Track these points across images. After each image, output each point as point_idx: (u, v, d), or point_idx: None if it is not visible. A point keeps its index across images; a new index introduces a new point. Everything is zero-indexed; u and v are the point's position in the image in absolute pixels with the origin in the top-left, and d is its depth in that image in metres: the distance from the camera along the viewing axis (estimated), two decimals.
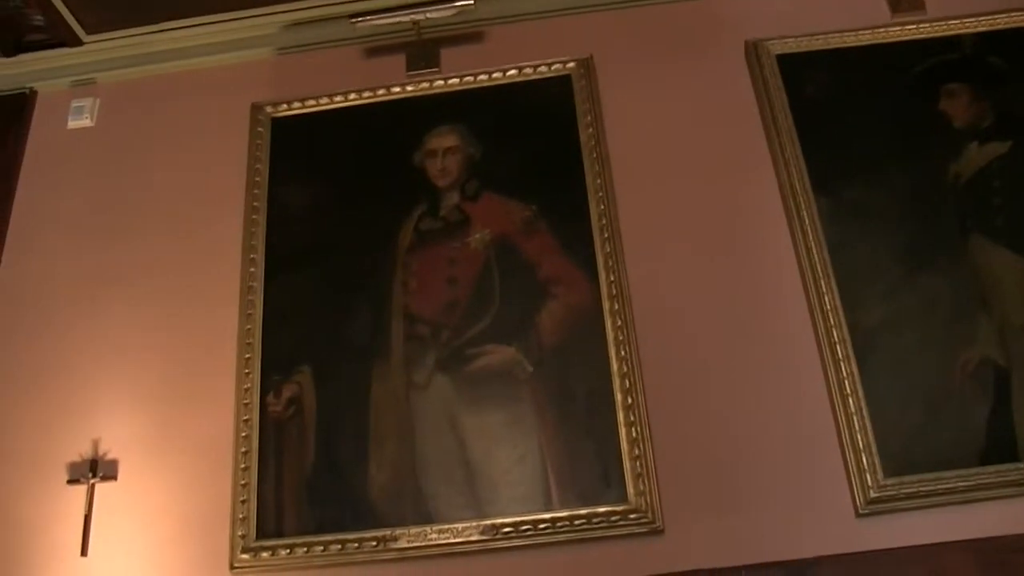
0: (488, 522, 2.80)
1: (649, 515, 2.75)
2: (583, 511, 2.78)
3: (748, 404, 2.90)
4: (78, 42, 3.91)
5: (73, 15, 3.79)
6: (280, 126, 3.62)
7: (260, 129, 3.61)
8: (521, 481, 2.85)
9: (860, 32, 3.45)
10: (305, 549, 2.87)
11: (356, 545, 2.84)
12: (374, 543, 2.83)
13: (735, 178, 3.29)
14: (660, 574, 2.70)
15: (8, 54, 3.93)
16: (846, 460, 2.78)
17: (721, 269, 3.12)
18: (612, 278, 3.08)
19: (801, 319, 3.01)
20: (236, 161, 3.57)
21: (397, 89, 3.62)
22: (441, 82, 3.61)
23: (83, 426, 3.21)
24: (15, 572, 3.02)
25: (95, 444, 3.17)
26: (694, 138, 3.38)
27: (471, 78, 3.59)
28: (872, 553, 2.67)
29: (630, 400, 2.89)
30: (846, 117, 3.31)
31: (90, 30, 3.88)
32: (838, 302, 2.97)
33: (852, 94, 3.36)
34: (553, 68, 3.55)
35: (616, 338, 2.99)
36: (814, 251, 3.06)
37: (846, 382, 2.86)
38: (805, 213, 3.13)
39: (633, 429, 2.85)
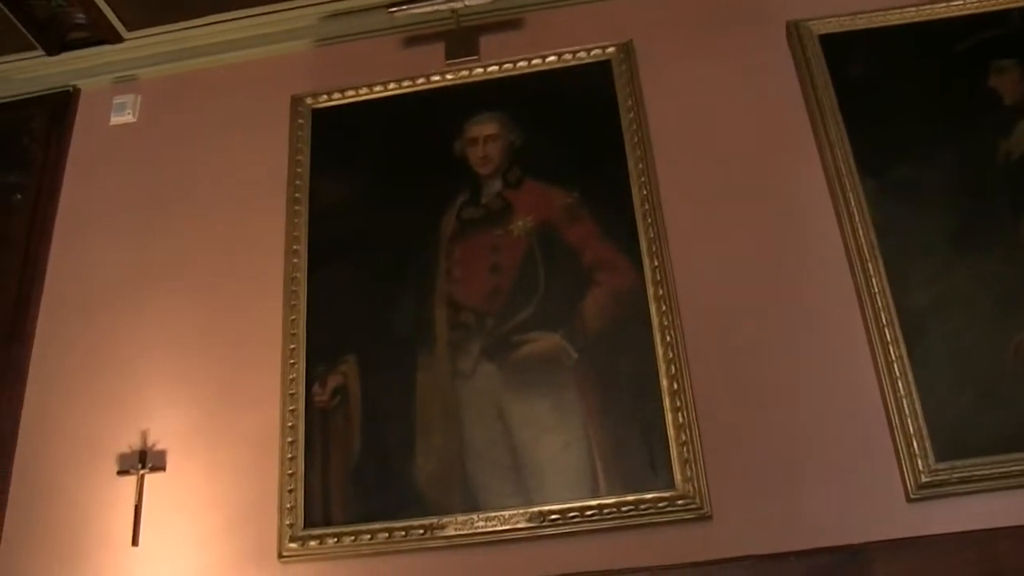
0: (535, 509, 2.80)
1: (697, 501, 2.73)
2: (630, 497, 2.76)
3: (795, 388, 2.87)
4: (119, 39, 3.95)
5: (114, 12, 3.82)
6: (320, 117, 3.63)
7: (300, 121, 3.63)
8: (567, 468, 2.85)
9: (904, 9, 3.39)
10: (353, 538, 2.88)
11: (403, 533, 2.85)
12: (421, 531, 2.84)
13: (779, 161, 3.25)
14: (708, 560, 2.68)
15: (52, 53, 3.98)
16: (896, 444, 2.73)
17: (766, 252, 3.09)
18: (656, 263, 3.07)
19: (848, 302, 2.97)
20: (277, 153, 3.59)
21: (437, 78, 3.62)
22: (480, 70, 3.60)
23: (132, 418, 3.25)
24: (70, 562, 3.07)
25: (144, 435, 3.21)
26: (736, 121, 3.34)
27: (511, 65, 3.58)
28: (924, 539, 2.63)
29: (676, 385, 2.87)
30: (892, 96, 3.25)
31: (130, 27, 3.92)
32: (886, 284, 2.93)
33: (897, 73, 3.30)
34: (593, 54, 3.53)
35: (661, 323, 2.97)
36: (860, 233, 3.01)
37: (895, 365, 2.81)
38: (851, 195, 3.08)
39: (679, 414, 2.83)
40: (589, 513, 2.77)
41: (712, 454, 2.80)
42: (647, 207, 3.17)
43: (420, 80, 3.63)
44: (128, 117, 3.89)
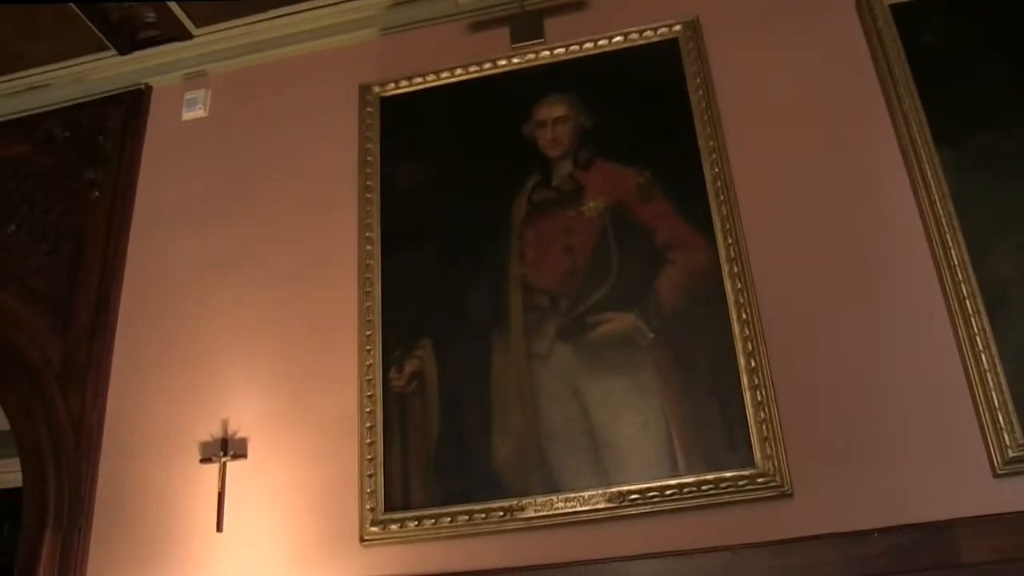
0: (614, 489, 2.80)
1: (777, 479, 2.70)
2: (710, 476, 2.75)
3: (875, 363, 2.82)
4: (188, 36, 4.02)
5: (183, 10, 3.89)
6: (388, 105, 3.66)
7: (369, 109, 3.65)
8: (646, 448, 2.84)
9: None
10: (433, 520, 2.91)
11: (483, 515, 2.87)
12: (501, 513, 2.86)
13: (851, 133, 3.19)
14: (789, 538, 2.65)
15: (124, 52, 4.08)
16: (981, 418, 2.68)
17: (841, 226, 3.04)
18: (730, 240, 3.04)
19: (927, 274, 2.91)
20: (347, 142, 3.62)
21: (503, 62, 3.62)
22: (547, 52, 3.59)
23: (213, 406, 3.32)
24: (157, 548, 3.14)
25: (225, 424, 3.26)
26: (807, 94, 3.29)
27: (577, 47, 3.56)
28: (1012, 515, 2.57)
29: (753, 363, 2.85)
30: (967, 65, 3.16)
31: (199, 24, 3.99)
32: (966, 255, 2.86)
33: (971, 41, 3.20)
34: (659, 32, 3.51)
35: (737, 301, 2.94)
36: (938, 203, 2.94)
37: (977, 338, 2.75)
38: (927, 165, 3.01)
39: (758, 392, 2.81)
40: (669, 492, 2.76)
41: (791, 431, 2.77)
42: (719, 184, 3.14)
43: (486, 65, 3.63)
44: (199, 112, 3.96)
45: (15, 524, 6.41)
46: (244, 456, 3.18)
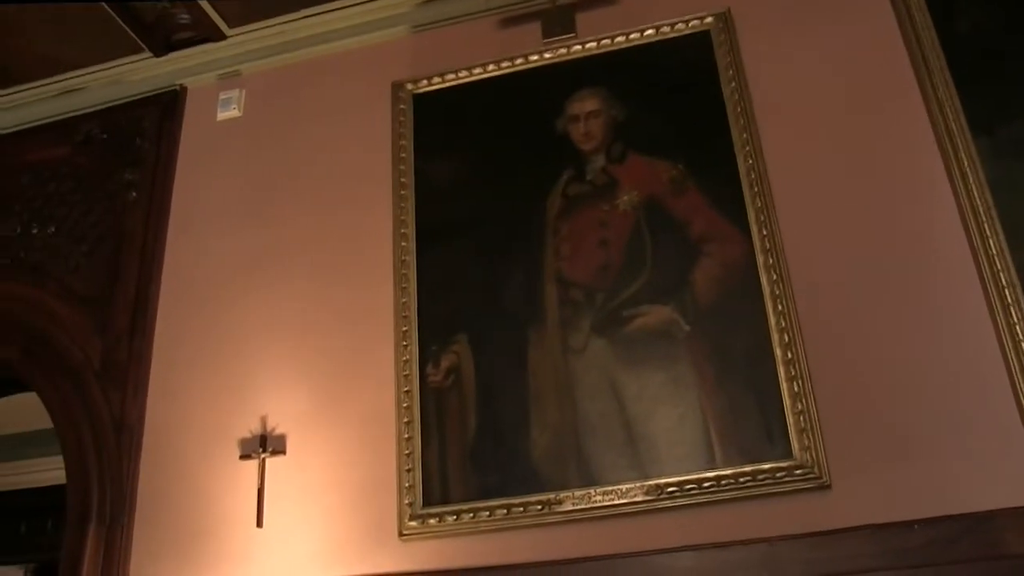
0: (652, 482, 2.80)
1: (815, 470, 2.69)
2: (747, 468, 2.74)
3: (913, 353, 2.80)
4: (221, 36, 4.06)
5: (216, 11, 3.93)
6: (421, 102, 3.67)
7: (402, 106, 3.67)
8: (683, 440, 2.84)
9: None
10: (471, 515, 2.92)
11: (521, 509, 2.88)
12: (539, 507, 2.86)
13: (886, 122, 3.16)
14: (828, 530, 2.64)
15: (159, 54, 4.12)
16: (1021, 408, 2.64)
17: (876, 216, 3.01)
18: (765, 232, 3.03)
19: (964, 263, 2.87)
20: (381, 139, 3.64)
21: (535, 57, 3.62)
22: (578, 47, 3.59)
23: (251, 403, 3.35)
24: (198, 544, 3.18)
25: (263, 420, 3.29)
26: (840, 84, 3.26)
27: (608, 41, 3.56)
28: None
29: (790, 355, 2.84)
30: (1002, 52, 3.13)
31: (232, 24, 4.03)
32: (1004, 244, 2.82)
33: (1007, 27, 3.17)
34: (691, 25, 3.49)
35: (772, 292, 2.93)
36: (975, 192, 2.91)
37: (1017, 327, 2.72)
38: (963, 154, 2.98)
39: (794, 383, 2.80)
40: (706, 485, 2.76)
41: (829, 422, 2.75)
42: (753, 176, 3.13)
43: (518, 60, 3.64)
44: (234, 112, 4.00)
45: (59, 520, 6.52)
46: (283, 452, 3.21)
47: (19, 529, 7.16)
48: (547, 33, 3.65)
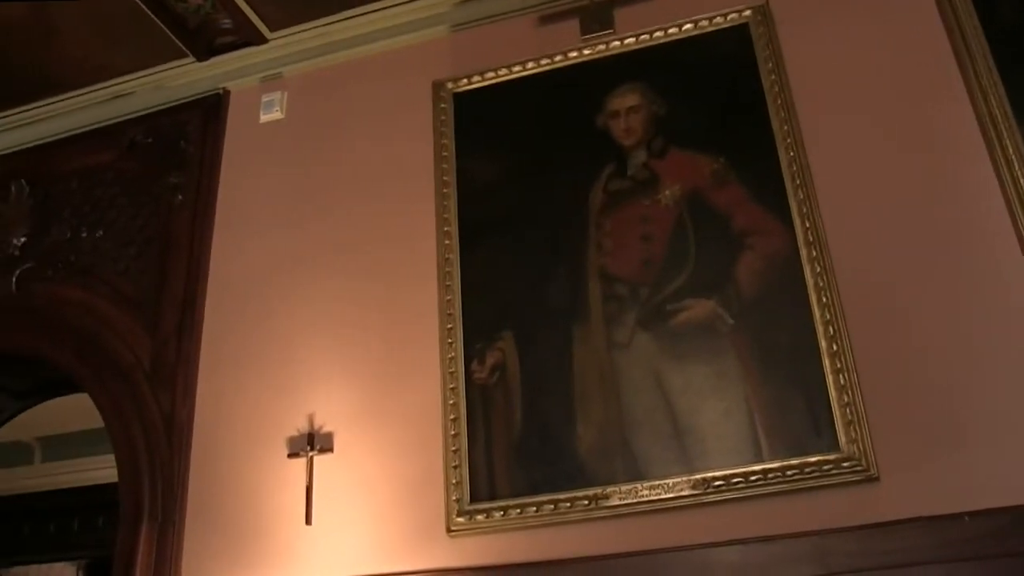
0: (699, 476, 2.80)
1: (863, 462, 2.68)
2: (794, 461, 2.73)
3: (960, 342, 2.77)
4: (263, 40, 4.10)
5: (257, 14, 3.97)
6: (462, 100, 3.69)
7: (443, 105, 3.69)
8: (729, 434, 2.83)
9: None
10: (519, 510, 2.93)
11: (568, 504, 2.88)
12: (586, 502, 2.87)
13: (928, 112, 3.12)
14: (877, 523, 2.62)
15: (202, 59, 4.17)
16: None
17: (920, 206, 2.99)
18: (807, 224, 3.02)
19: (1011, 251, 2.84)
20: (422, 138, 3.67)
21: (574, 54, 3.62)
22: (617, 43, 3.59)
23: (299, 402, 3.38)
24: (248, 541, 3.22)
25: (311, 419, 3.33)
26: (881, 74, 3.23)
27: (647, 36, 3.55)
28: None
29: (835, 347, 2.82)
30: None
31: (273, 27, 4.06)
32: None
33: None
34: (729, 18, 3.48)
35: (816, 284, 2.92)
36: (1020, 180, 2.87)
37: None
38: (1008, 142, 2.94)
39: (841, 376, 2.78)
40: (753, 478, 2.75)
41: (876, 414, 2.74)
42: (795, 168, 3.12)
43: (557, 57, 3.64)
44: (276, 114, 4.03)
45: (110, 518, 6.63)
46: (330, 450, 3.24)
47: (72, 526, 7.30)
48: (585, 30, 3.65)
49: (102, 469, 6.72)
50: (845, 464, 2.69)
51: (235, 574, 3.19)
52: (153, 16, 3.88)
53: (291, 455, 3.26)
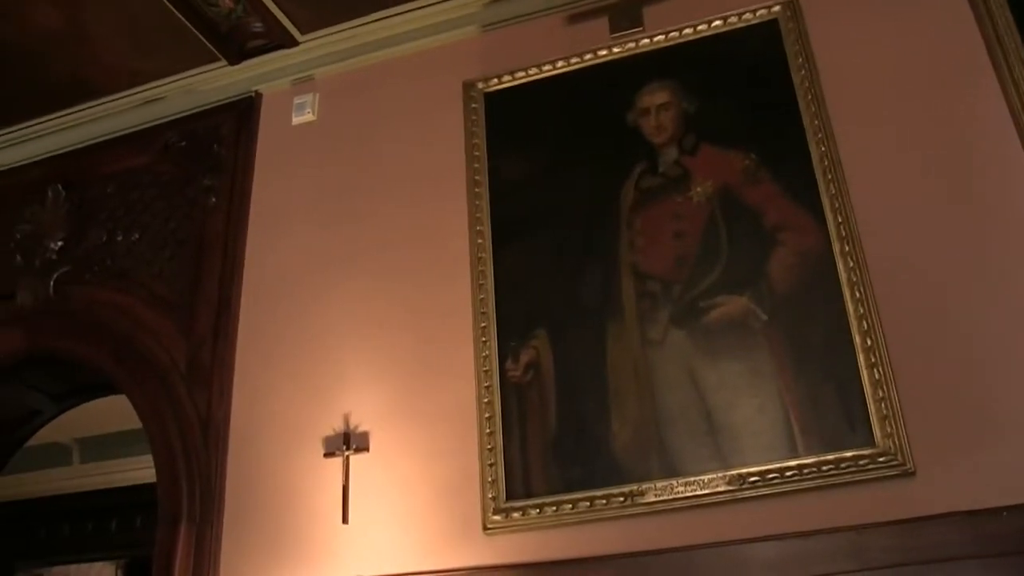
0: (734, 472, 2.79)
1: (899, 457, 2.67)
2: (830, 456, 2.72)
3: (997, 337, 2.75)
4: (294, 43, 4.13)
5: (288, 18, 4.00)
6: (492, 100, 3.71)
7: (474, 105, 3.71)
8: (764, 429, 2.83)
9: None
10: (554, 508, 2.94)
11: (604, 501, 2.89)
12: (622, 499, 2.88)
13: (960, 103, 3.10)
14: (914, 517, 2.60)
15: (234, 62, 4.21)
16: None
17: (954, 199, 2.97)
18: (840, 219, 3.01)
19: None
20: (454, 138, 3.68)
21: (603, 52, 3.63)
22: (647, 40, 3.59)
23: (334, 401, 3.40)
24: (285, 540, 3.24)
25: (346, 418, 3.35)
26: (912, 67, 3.22)
27: (676, 33, 3.56)
28: None
29: (869, 342, 2.82)
30: None
31: (304, 30, 4.09)
32: None
33: None
34: (758, 14, 3.48)
35: (850, 280, 2.91)
36: None
37: None
38: None
39: (875, 371, 2.77)
40: (789, 474, 2.74)
41: (912, 409, 2.72)
42: (826, 163, 3.11)
43: (587, 56, 3.65)
44: (308, 116, 4.06)
45: (147, 518, 6.70)
46: (366, 449, 3.26)
47: (110, 526, 7.37)
48: (615, 28, 3.67)
49: (139, 470, 6.79)
50: (881, 459, 2.68)
51: (273, 573, 3.21)
52: (186, 21, 3.93)
53: (327, 455, 3.28)
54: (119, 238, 4.09)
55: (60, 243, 4.17)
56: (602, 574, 2.82)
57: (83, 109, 4.42)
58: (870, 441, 2.71)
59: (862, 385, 2.78)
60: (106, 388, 4.23)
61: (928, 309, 2.85)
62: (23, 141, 4.56)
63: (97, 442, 7.40)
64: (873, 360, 2.79)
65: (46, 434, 4.83)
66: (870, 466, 2.69)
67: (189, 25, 3.95)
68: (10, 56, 4.11)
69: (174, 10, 3.85)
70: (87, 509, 7.39)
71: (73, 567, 8.00)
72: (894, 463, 2.67)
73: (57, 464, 7.58)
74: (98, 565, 8.08)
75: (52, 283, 4.09)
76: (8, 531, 7.55)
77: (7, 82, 4.27)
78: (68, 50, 4.09)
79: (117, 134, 4.41)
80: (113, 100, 4.38)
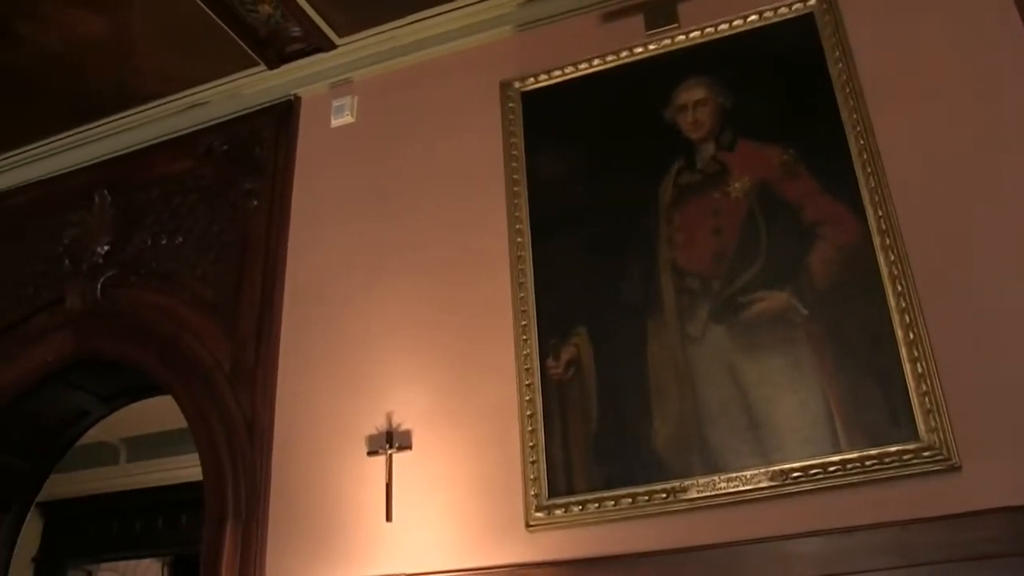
0: (776, 468, 2.79)
1: (944, 452, 2.64)
2: (873, 451, 2.71)
3: None
4: (332, 46, 4.17)
5: (326, 22, 4.03)
6: (529, 99, 3.72)
7: (511, 104, 3.73)
8: (806, 424, 2.82)
9: None
10: (597, 504, 2.95)
11: (646, 498, 2.90)
12: (664, 495, 2.88)
13: (1000, 92, 3.06)
14: (959, 513, 2.58)
15: (273, 67, 4.26)
16: None
17: (996, 190, 2.93)
18: (880, 213, 2.99)
19: None
20: (491, 137, 3.70)
21: (639, 49, 3.63)
22: (682, 37, 3.58)
23: (376, 400, 3.43)
24: (330, 538, 3.28)
25: (389, 417, 3.37)
26: (951, 59, 3.18)
27: (711, 29, 3.55)
28: None
29: (912, 335, 2.80)
30: None
31: (342, 33, 4.13)
32: None
33: None
34: (794, 8, 3.45)
35: (891, 273, 2.89)
36: None
37: None
38: None
39: (918, 364, 2.75)
40: (832, 469, 2.73)
41: (956, 402, 2.70)
42: (866, 157, 3.09)
43: (623, 53, 3.65)
44: (347, 118, 4.10)
45: (192, 516, 6.81)
46: (409, 448, 3.28)
47: (156, 524, 7.48)
48: (650, 25, 3.66)
49: (184, 468, 6.88)
50: (925, 453, 2.66)
51: (318, 570, 3.25)
52: (225, 27, 3.98)
53: (370, 453, 3.31)
54: (163, 241, 4.15)
55: (106, 247, 4.25)
56: (645, 571, 2.83)
57: (127, 115, 4.50)
58: (914, 435, 2.69)
59: (905, 379, 2.76)
60: (152, 389, 4.30)
61: (971, 301, 2.82)
62: (70, 148, 4.65)
63: (142, 442, 7.51)
64: (916, 354, 2.77)
65: (93, 434, 4.91)
66: (914, 461, 2.67)
67: (229, 31, 4.00)
68: (56, 65, 4.19)
69: (214, 16, 3.91)
70: (134, 507, 7.50)
71: (121, 564, 8.15)
72: (939, 458, 2.65)
73: (105, 463, 7.70)
74: (145, 562, 8.22)
75: (99, 287, 4.16)
76: (59, 529, 7.70)
77: (54, 91, 4.35)
78: (112, 58, 4.17)
79: (160, 139, 4.47)
80: (156, 106, 4.45)
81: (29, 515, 4.64)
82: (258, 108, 4.31)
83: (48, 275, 4.34)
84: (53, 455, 4.61)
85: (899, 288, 2.87)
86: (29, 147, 4.70)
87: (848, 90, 3.23)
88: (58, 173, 4.67)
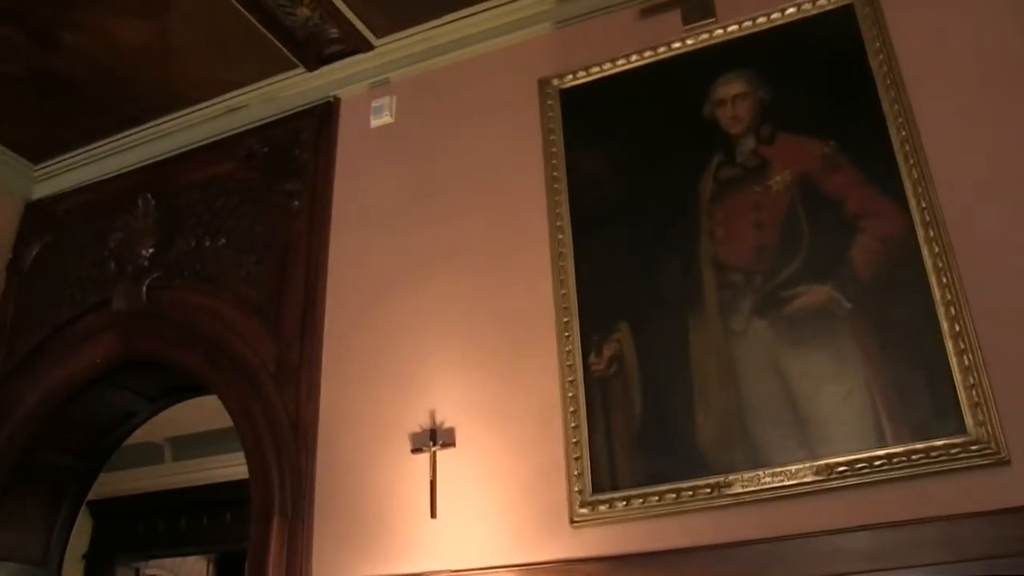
0: (821, 462, 2.77)
1: (992, 446, 2.61)
2: (919, 445, 2.69)
3: None
4: (370, 47, 4.20)
5: (364, 23, 4.06)
6: (568, 96, 3.72)
7: (550, 102, 3.73)
8: (851, 418, 2.80)
9: None
10: (641, 500, 2.95)
11: (691, 493, 2.89)
12: (708, 490, 2.88)
13: None
14: (1009, 507, 2.55)
15: (312, 69, 4.29)
16: None
17: None
18: (923, 205, 2.96)
19: None
20: (531, 135, 3.71)
21: (677, 44, 3.62)
22: (720, 31, 3.57)
23: (419, 398, 3.45)
24: (375, 535, 3.31)
25: (432, 415, 3.39)
26: (992, 48, 3.14)
27: (750, 23, 3.53)
28: None
29: (958, 327, 2.77)
30: None
31: (379, 34, 4.16)
32: None
33: None
34: (832, 0, 3.42)
35: (935, 265, 2.87)
36: None
37: None
38: None
39: (965, 357, 2.73)
40: (878, 463, 2.71)
41: (1005, 395, 2.66)
42: (907, 148, 3.06)
43: (661, 49, 3.64)
44: (386, 118, 4.12)
45: (237, 514, 6.88)
46: (452, 445, 3.30)
47: (201, 522, 7.57)
48: (687, 19, 3.65)
49: (227, 467, 6.97)
50: (973, 447, 2.64)
51: (363, 567, 3.27)
52: (264, 30, 4.02)
53: (414, 450, 3.33)
54: (206, 244, 4.20)
55: (151, 250, 4.30)
56: (690, 566, 2.83)
57: (169, 120, 4.57)
58: (961, 429, 2.67)
59: (951, 372, 2.73)
60: (198, 389, 4.36)
61: (1019, 293, 2.79)
62: (114, 153, 4.72)
63: (187, 441, 7.61)
64: (962, 346, 2.75)
65: (139, 434, 4.98)
66: (962, 455, 2.64)
67: (268, 34, 4.04)
68: (99, 72, 4.26)
69: (253, 20, 3.95)
70: (180, 505, 7.60)
71: (168, 561, 8.26)
72: (988, 451, 2.62)
73: (151, 463, 7.81)
74: (191, 559, 8.34)
75: (145, 289, 4.22)
76: (108, 526, 7.81)
77: (98, 97, 4.42)
78: (153, 64, 4.23)
79: (202, 143, 4.53)
80: (197, 110, 4.51)
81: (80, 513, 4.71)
82: (298, 110, 4.35)
83: (94, 278, 4.41)
84: (102, 454, 4.68)
85: (944, 280, 2.85)
86: (75, 152, 4.78)
87: (889, 81, 3.20)
88: (103, 178, 4.74)
